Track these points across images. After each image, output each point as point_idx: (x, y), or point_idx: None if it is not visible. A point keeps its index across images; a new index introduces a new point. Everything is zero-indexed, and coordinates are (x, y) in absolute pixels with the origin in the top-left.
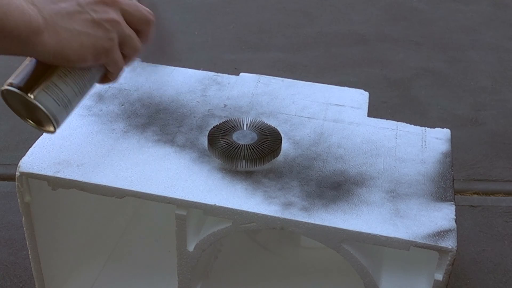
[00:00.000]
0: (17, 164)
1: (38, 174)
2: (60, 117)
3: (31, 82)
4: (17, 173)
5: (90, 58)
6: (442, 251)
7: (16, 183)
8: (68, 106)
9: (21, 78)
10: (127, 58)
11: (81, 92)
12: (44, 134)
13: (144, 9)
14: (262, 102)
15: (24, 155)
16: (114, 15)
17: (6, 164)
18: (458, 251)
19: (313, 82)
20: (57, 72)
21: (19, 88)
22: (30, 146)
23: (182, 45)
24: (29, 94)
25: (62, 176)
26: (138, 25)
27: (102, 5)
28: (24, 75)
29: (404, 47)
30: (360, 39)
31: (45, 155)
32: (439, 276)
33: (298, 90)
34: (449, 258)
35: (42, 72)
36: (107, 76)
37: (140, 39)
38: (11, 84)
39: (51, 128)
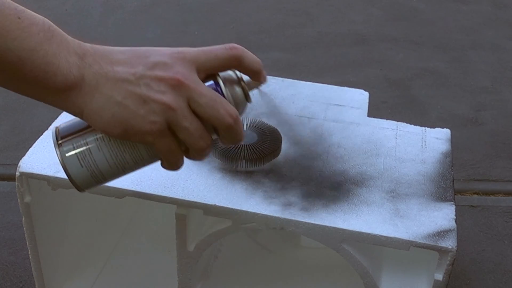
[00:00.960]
0: (17, 164)
1: (38, 174)
2: (81, 181)
3: (68, 135)
4: (17, 173)
5: (118, 133)
6: (442, 251)
7: (16, 183)
8: (96, 173)
9: (66, 127)
10: (190, 153)
11: (120, 166)
12: (44, 134)
13: (224, 108)
14: (262, 102)
15: (24, 155)
16: (171, 99)
17: (6, 164)
18: (458, 251)
19: (313, 82)
20: (96, 135)
21: (56, 135)
22: (30, 146)
23: (182, 45)
24: (57, 144)
25: (62, 176)
26: (209, 121)
27: (163, 84)
28: (70, 126)
29: (404, 47)
30: (360, 39)
31: (45, 155)
32: (439, 276)
33: (298, 90)
34: (449, 258)
35: (85, 130)
36: (163, 162)
37: (219, 137)
38: (57, 128)
39: (76, 187)
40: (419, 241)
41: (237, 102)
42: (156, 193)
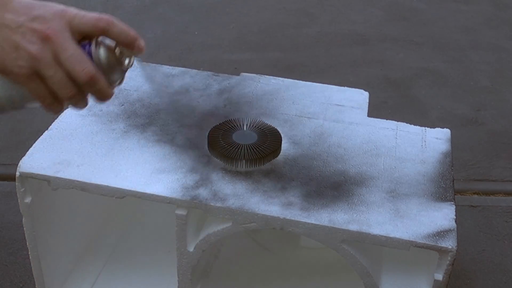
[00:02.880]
0: (17, 164)
1: (38, 174)
2: None
3: None
4: (17, 173)
5: None
6: (442, 251)
7: (16, 183)
8: None
9: None
10: (61, 100)
11: (10, 100)
12: (44, 134)
13: (81, 65)
14: (262, 102)
15: (24, 155)
16: (37, 50)
17: (6, 164)
18: (458, 251)
19: (313, 82)
20: None
21: None
22: (30, 146)
23: (182, 45)
24: None
25: (62, 176)
26: (70, 73)
27: (35, 35)
28: None
29: (404, 47)
30: (360, 39)
31: (45, 155)
32: (439, 276)
33: (298, 90)
34: (449, 258)
35: None
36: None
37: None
38: None
39: None
40: (419, 241)
41: (106, 65)
42: (156, 193)
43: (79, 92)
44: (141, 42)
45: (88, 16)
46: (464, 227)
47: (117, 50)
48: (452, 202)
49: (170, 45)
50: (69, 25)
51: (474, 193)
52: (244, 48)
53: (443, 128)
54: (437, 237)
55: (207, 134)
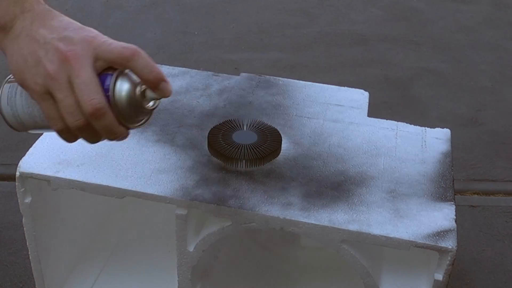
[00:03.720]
0: (17, 164)
1: (38, 174)
2: (8, 117)
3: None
4: (17, 173)
5: (17, 79)
6: (442, 251)
7: (16, 183)
8: (15, 114)
9: None
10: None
11: (30, 115)
12: (44, 134)
13: (89, 96)
14: (262, 102)
15: (24, 155)
16: (54, 70)
17: (6, 164)
18: (458, 251)
19: (313, 82)
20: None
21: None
22: (30, 146)
23: (182, 45)
24: (6, 80)
25: (62, 176)
26: (80, 103)
27: (57, 55)
28: None
29: (404, 47)
30: (360, 39)
31: (45, 155)
32: (439, 276)
33: (298, 90)
34: (449, 258)
35: None
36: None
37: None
38: None
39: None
40: (419, 241)
41: (124, 100)
42: (156, 193)
43: (88, 124)
44: (168, 86)
45: (115, 44)
46: (464, 227)
47: (139, 88)
48: (452, 202)
49: (170, 45)
50: (94, 51)
51: (474, 193)
52: (244, 48)
53: (443, 128)
54: (437, 237)
55: (207, 134)
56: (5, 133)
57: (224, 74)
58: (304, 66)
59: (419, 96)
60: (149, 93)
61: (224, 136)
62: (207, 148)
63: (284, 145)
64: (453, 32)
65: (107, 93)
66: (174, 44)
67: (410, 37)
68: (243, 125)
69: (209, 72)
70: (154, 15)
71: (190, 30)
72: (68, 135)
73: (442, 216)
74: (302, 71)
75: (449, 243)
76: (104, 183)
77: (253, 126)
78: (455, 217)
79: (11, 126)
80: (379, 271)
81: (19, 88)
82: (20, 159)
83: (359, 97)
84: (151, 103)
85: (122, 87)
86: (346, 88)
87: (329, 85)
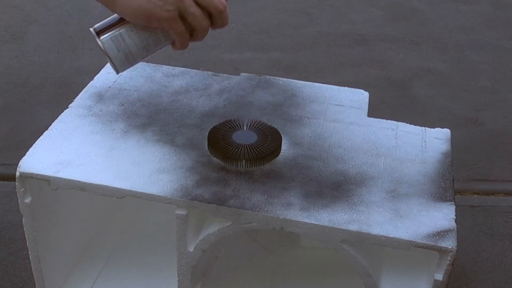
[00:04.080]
0: (17, 164)
1: (38, 174)
2: (118, 62)
3: (105, 29)
4: (17, 173)
5: (143, 20)
6: (442, 251)
7: (16, 183)
8: (129, 56)
9: (101, 24)
10: (194, 33)
11: (145, 48)
12: (44, 134)
13: (220, 2)
14: (262, 102)
15: (24, 155)
16: None
17: (6, 164)
18: (458, 251)
19: (313, 82)
20: (126, 26)
21: (95, 31)
22: (30, 146)
23: None
24: (98, 36)
25: (62, 176)
26: (207, 8)
27: None
28: (104, 23)
29: (404, 47)
30: (360, 39)
31: (45, 155)
32: (439, 276)
33: (298, 90)
34: (449, 258)
35: (117, 24)
36: (174, 43)
37: (212, 23)
38: (93, 27)
39: (114, 70)
40: (419, 241)
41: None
42: (156, 193)
43: (209, 24)
44: None
45: None
46: (464, 227)
47: None
48: (452, 202)
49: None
50: None
51: (474, 193)
52: (244, 48)
53: (443, 128)
54: (437, 237)
55: (207, 134)
56: (5, 133)
57: (224, 74)
58: (304, 66)
59: (419, 96)
60: None
61: (224, 136)
62: (207, 148)
63: (284, 145)
64: (453, 32)
65: None
66: None
67: (410, 37)
68: (243, 125)
69: (209, 72)
70: None
71: None
72: (187, 43)
73: (442, 216)
74: (302, 71)
75: (449, 243)
76: (104, 183)
77: (253, 126)
78: (455, 217)
79: (120, 69)
80: (379, 271)
81: (124, 33)
82: (20, 159)
83: (359, 97)
84: None
85: None
86: (346, 88)
87: (329, 85)
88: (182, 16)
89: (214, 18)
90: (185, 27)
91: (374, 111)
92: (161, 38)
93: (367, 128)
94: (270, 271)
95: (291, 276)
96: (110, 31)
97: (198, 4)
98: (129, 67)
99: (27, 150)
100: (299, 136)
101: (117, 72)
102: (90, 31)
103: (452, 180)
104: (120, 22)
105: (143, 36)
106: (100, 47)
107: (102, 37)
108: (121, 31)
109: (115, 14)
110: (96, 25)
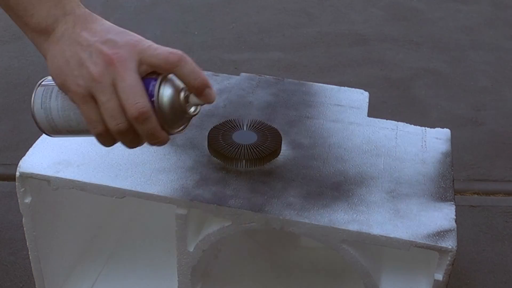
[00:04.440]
0: (17, 164)
1: (38, 174)
2: (41, 121)
3: (48, 81)
4: (17, 173)
5: (57, 82)
6: (442, 251)
7: (16, 183)
8: (49, 118)
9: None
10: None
11: (65, 119)
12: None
13: (134, 99)
14: (262, 102)
15: (24, 155)
16: (98, 72)
17: (6, 164)
18: (458, 251)
19: (313, 82)
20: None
21: (43, 79)
22: (30, 146)
23: (182, 45)
24: (39, 84)
25: (62, 176)
26: (123, 106)
27: (101, 58)
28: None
29: (404, 47)
30: (360, 39)
31: (45, 155)
32: (439, 276)
33: (298, 90)
34: (449, 258)
35: None
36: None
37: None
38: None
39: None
40: (419, 241)
41: (168, 105)
42: (156, 193)
43: (130, 128)
44: (212, 92)
45: (161, 49)
46: (464, 227)
47: (183, 94)
48: (452, 202)
49: (170, 45)
50: (138, 55)
51: (474, 193)
52: (244, 48)
53: (443, 128)
54: (437, 237)
55: (207, 134)
56: (5, 133)
57: (224, 74)
58: (304, 66)
59: (419, 96)
60: (193, 99)
61: (224, 136)
62: (207, 148)
63: (284, 145)
64: (453, 32)
65: (152, 98)
66: (174, 44)
67: (410, 37)
68: (243, 125)
69: (209, 72)
70: (154, 15)
71: (190, 30)
72: (107, 138)
73: (442, 216)
74: (302, 71)
75: (449, 243)
76: (104, 183)
77: (253, 126)
78: (455, 217)
79: (42, 130)
80: (379, 271)
81: (55, 91)
82: (20, 159)
83: (359, 97)
84: (193, 109)
85: (166, 92)
86: (346, 88)
87: (329, 85)
88: (95, 101)
89: (134, 124)
90: (98, 115)
91: (374, 111)
92: (83, 120)
93: (367, 128)
94: (270, 271)
95: (291, 276)
96: (49, 85)
97: (119, 96)
98: (55, 135)
99: (27, 150)
100: (299, 136)
101: (43, 132)
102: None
103: (452, 180)
104: None
105: (67, 105)
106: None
107: (40, 86)
108: (55, 87)
109: None
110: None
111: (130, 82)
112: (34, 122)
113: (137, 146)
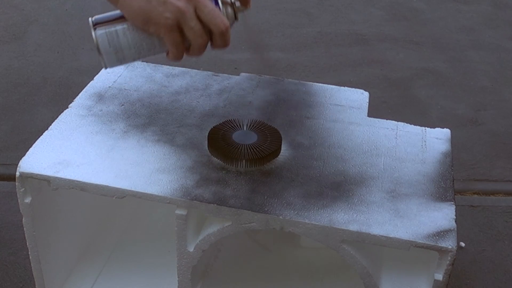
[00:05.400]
0: (17, 164)
1: (38, 174)
2: (107, 58)
3: (103, 22)
4: (17, 173)
5: (140, 22)
6: (442, 251)
7: (16, 183)
8: (119, 54)
9: (101, 17)
10: (190, 48)
11: (137, 51)
12: (44, 134)
13: (221, 18)
14: (262, 102)
15: (24, 155)
16: (183, 4)
17: (6, 164)
18: (458, 251)
19: (313, 82)
20: (123, 24)
21: (93, 22)
22: (30, 146)
23: None
24: (94, 28)
25: (62, 176)
26: (208, 25)
27: None
28: (104, 16)
29: (404, 47)
30: (360, 39)
31: (45, 155)
32: (439, 276)
33: (298, 90)
34: (449, 258)
35: (116, 20)
36: (168, 53)
37: (212, 41)
38: (92, 18)
39: (103, 65)
40: (419, 241)
41: (228, 17)
42: (156, 193)
43: (206, 43)
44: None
45: None
46: (464, 227)
47: (236, 5)
48: (452, 202)
49: None
50: None
51: (474, 193)
52: (244, 48)
53: (443, 128)
54: (437, 237)
55: (207, 134)
56: (5, 133)
57: (224, 74)
58: (304, 66)
59: (419, 96)
60: (240, 8)
61: (224, 136)
62: (207, 148)
63: (284, 145)
64: (453, 32)
65: None
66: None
67: (410, 37)
68: (243, 125)
69: (209, 72)
70: None
71: None
72: (181, 55)
73: (442, 216)
74: (302, 71)
75: (449, 243)
76: (104, 183)
77: (253, 126)
78: (455, 217)
79: (108, 65)
80: (379, 271)
81: (120, 29)
82: (20, 159)
83: (359, 97)
84: (239, 15)
85: (230, 9)
86: (346, 88)
87: (329, 85)
88: (181, 28)
89: (214, 37)
90: (181, 39)
91: (374, 111)
92: (156, 44)
93: (367, 128)
94: (270, 271)
95: (291, 276)
96: (107, 25)
97: (200, 20)
98: (119, 65)
99: (27, 150)
100: (299, 136)
101: (105, 67)
102: (88, 21)
103: (452, 180)
104: (119, 18)
105: (138, 38)
106: (93, 39)
107: (97, 30)
108: (117, 28)
109: (118, 10)
110: (96, 16)
111: (212, 7)
112: (103, 62)
113: (199, 55)
